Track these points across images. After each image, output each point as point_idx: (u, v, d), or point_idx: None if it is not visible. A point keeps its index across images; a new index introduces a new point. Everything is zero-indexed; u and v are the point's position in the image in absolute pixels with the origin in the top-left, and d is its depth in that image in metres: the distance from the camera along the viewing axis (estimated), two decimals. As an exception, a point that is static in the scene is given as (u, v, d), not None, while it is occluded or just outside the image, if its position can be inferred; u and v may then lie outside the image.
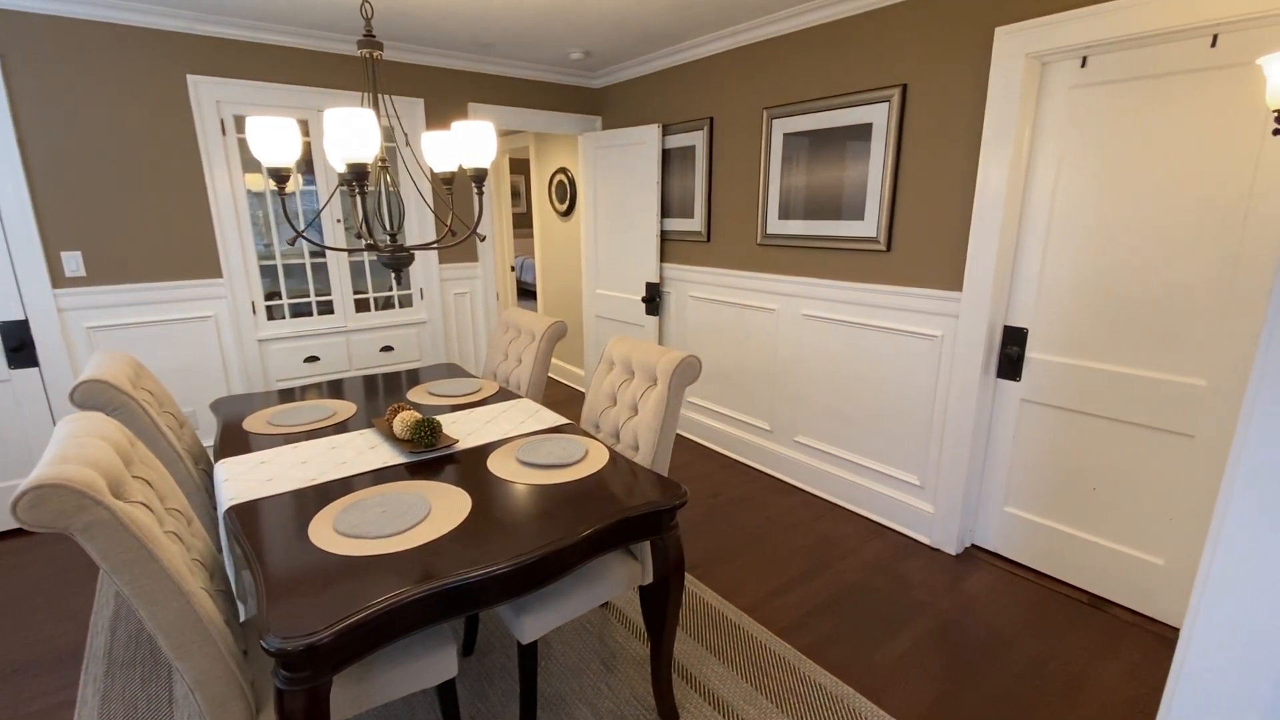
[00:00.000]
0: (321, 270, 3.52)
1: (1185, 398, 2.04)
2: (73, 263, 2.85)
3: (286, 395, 2.43)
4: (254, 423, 2.10)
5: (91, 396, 1.70)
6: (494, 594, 1.31)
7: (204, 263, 3.16)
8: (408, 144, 2.10)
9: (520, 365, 2.70)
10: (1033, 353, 2.40)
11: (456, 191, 3.86)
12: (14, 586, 2.44)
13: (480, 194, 1.86)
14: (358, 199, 1.67)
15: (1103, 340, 2.21)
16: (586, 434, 2.01)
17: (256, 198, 3.30)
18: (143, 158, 2.94)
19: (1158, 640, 2.11)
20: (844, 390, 3.02)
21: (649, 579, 1.77)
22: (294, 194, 3.42)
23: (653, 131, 3.73)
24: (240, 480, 1.65)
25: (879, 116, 2.67)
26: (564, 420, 2.13)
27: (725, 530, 2.84)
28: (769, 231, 3.24)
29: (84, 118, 2.79)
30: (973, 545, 2.70)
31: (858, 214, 2.81)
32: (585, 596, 1.67)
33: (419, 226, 3.73)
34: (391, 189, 1.87)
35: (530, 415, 2.19)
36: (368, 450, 1.86)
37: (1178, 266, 2.01)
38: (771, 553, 2.66)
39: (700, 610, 2.27)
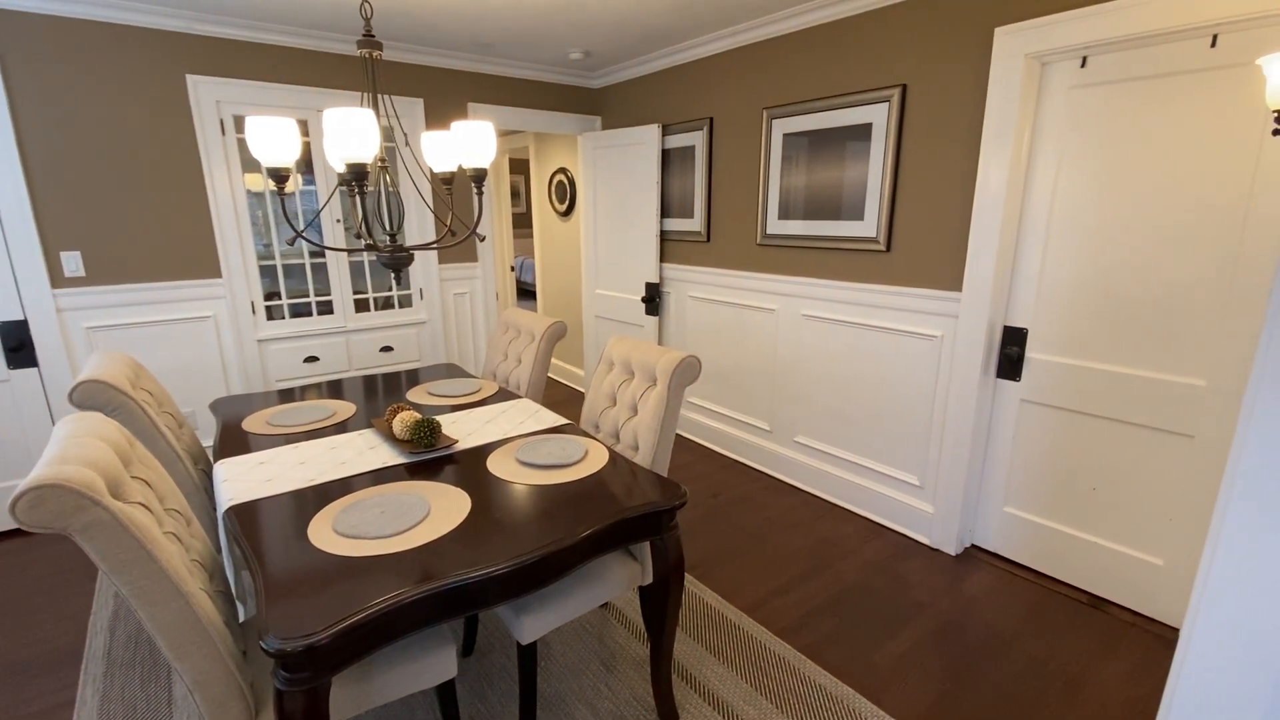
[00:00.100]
0: (321, 270, 3.52)
1: (1185, 398, 2.04)
2: (72, 263, 2.85)
3: (286, 395, 2.43)
4: (253, 423, 2.10)
5: (90, 397, 1.70)
6: (493, 594, 1.30)
7: (203, 263, 3.15)
8: (407, 144, 2.10)
9: (520, 365, 2.70)
10: (1032, 353, 2.40)
11: (456, 191, 3.86)
12: (13, 587, 2.43)
13: (480, 194, 1.86)
14: (357, 199, 1.67)
15: (1102, 340, 2.21)
16: (586, 434, 2.01)
17: (256, 198, 3.29)
18: (142, 158, 2.93)
19: (1157, 641, 2.11)
20: (844, 390, 3.02)
21: (649, 579, 1.77)
22: (293, 194, 3.42)
23: (652, 131, 3.73)
24: (239, 481, 1.65)
25: (879, 116, 2.67)
26: (564, 420, 2.13)
27: (725, 530, 2.84)
28: (769, 231, 3.24)
29: (83, 117, 2.79)
30: (972, 545, 2.70)
31: (857, 214, 2.81)
32: (585, 597, 1.67)
33: (418, 226, 3.73)
34: (391, 189, 1.87)
35: (530, 415, 2.18)
36: (367, 450, 1.86)
37: (1178, 266, 2.01)
38: (771, 553, 2.66)
39: (700, 611, 2.26)
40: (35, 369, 2.83)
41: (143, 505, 1.18)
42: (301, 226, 3.36)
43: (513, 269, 6.04)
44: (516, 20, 3.00)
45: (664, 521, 1.59)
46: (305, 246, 3.45)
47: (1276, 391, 0.82)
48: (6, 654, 2.06)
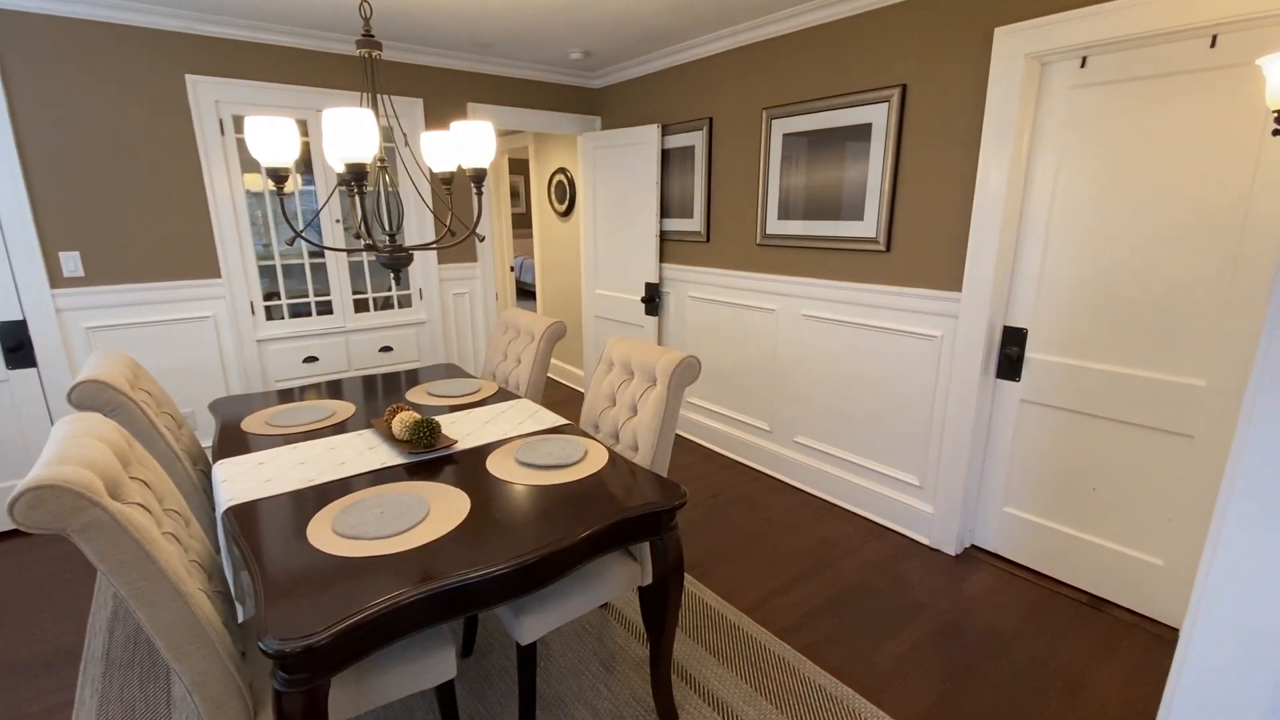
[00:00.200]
0: (320, 270, 3.52)
1: (1185, 398, 2.04)
2: (71, 263, 2.84)
3: (285, 396, 2.42)
4: (252, 423, 2.10)
5: (89, 397, 1.69)
6: (493, 595, 1.30)
7: (202, 263, 3.15)
8: (407, 144, 2.10)
9: (519, 365, 2.70)
10: (1032, 353, 2.40)
11: (455, 192, 3.85)
12: (12, 587, 2.43)
13: (479, 194, 1.86)
14: (356, 199, 1.67)
15: (1102, 340, 2.21)
16: (586, 434, 2.01)
17: (255, 198, 3.29)
18: (141, 158, 2.93)
19: (1157, 641, 2.11)
20: (843, 391, 3.01)
21: (648, 580, 1.76)
22: (293, 194, 3.42)
23: (652, 131, 3.73)
24: (239, 481, 1.65)
25: (878, 117, 2.67)
26: (563, 421, 2.12)
27: (725, 531, 2.84)
28: (768, 232, 3.24)
29: (83, 117, 2.78)
30: (972, 546, 2.70)
31: (857, 214, 2.81)
32: (584, 597, 1.66)
33: (418, 227, 3.73)
34: (390, 189, 1.87)
35: (529, 416, 2.18)
36: (366, 451, 1.86)
37: (1178, 266, 2.01)
38: (771, 553, 2.66)
39: (699, 611, 2.26)
40: (34, 369, 2.82)
41: (141, 506, 1.18)
42: (301, 226, 3.36)
43: (512, 269, 6.04)
44: (516, 20, 2.99)
45: (663, 522, 1.59)
46: (304, 246, 3.45)
47: (1276, 391, 0.82)
48: (5, 654, 2.06)
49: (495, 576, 1.27)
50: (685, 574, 2.48)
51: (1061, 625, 2.19)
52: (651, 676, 1.76)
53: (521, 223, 8.93)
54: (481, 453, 1.85)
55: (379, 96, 3.51)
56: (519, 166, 8.74)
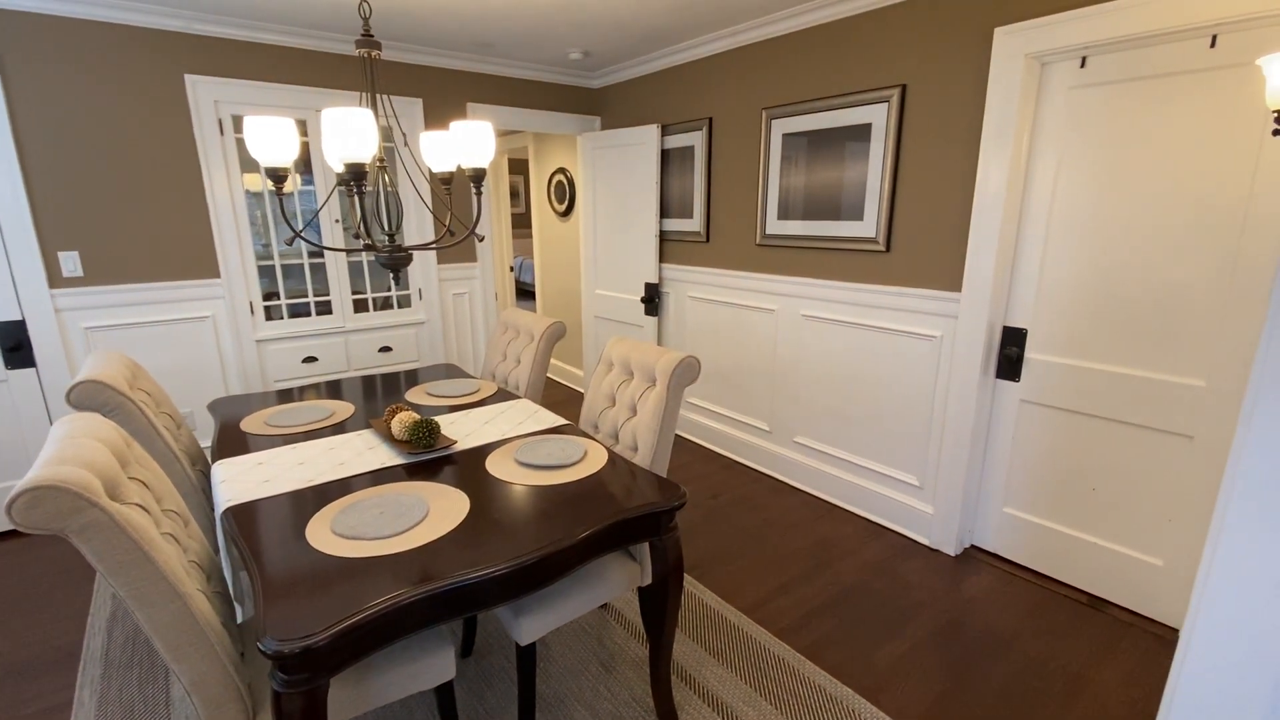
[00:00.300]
0: (320, 270, 3.52)
1: (1184, 398, 2.04)
2: (70, 263, 2.84)
3: (284, 396, 2.42)
4: (252, 423, 2.10)
5: (88, 397, 1.69)
6: (492, 595, 1.30)
7: (202, 263, 3.15)
8: (406, 144, 2.10)
9: (519, 366, 2.70)
10: (1032, 353, 2.40)
11: (455, 192, 3.85)
12: (10, 588, 2.43)
13: (479, 194, 1.85)
14: (356, 199, 1.67)
15: (1102, 341, 2.21)
16: (585, 435, 2.01)
17: (255, 198, 3.29)
18: (141, 157, 2.93)
19: (1157, 641, 2.11)
20: (843, 391, 3.01)
21: (648, 580, 1.76)
22: (292, 194, 3.42)
23: (652, 132, 3.73)
24: (238, 481, 1.65)
25: (878, 117, 2.67)
26: (563, 421, 2.12)
27: (724, 531, 2.84)
28: (768, 232, 3.24)
29: (82, 117, 2.78)
30: (972, 546, 2.70)
31: (857, 214, 2.81)
32: (584, 598, 1.66)
33: (417, 227, 3.73)
34: (390, 189, 1.87)
35: (529, 416, 2.18)
36: (366, 451, 1.86)
37: (1177, 267, 2.01)
38: (770, 554, 2.66)
39: (699, 611, 2.26)
40: (33, 369, 2.82)
41: (140, 506, 1.17)
42: (300, 226, 3.36)
43: (512, 269, 6.04)
44: (516, 20, 2.99)
45: (663, 522, 1.59)
46: (304, 247, 3.45)
47: (1276, 392, 0.82)
48: (4, 655, 2.06)
49: (494, 577, 1.26)
50: (685, 574, 2.48)
51: (1061, 625, 2.19)
52: (651, 677, 1.76)
53: (521, 223, 8.93)
54: (481, 453, 1.85)
55: (378, 96, 3.51)
56: (519, 166, 8.74)
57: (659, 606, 1.67)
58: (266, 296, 3.38)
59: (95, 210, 2.87)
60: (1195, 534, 2.08)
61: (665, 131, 3.77)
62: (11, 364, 2.77)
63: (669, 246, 3.92)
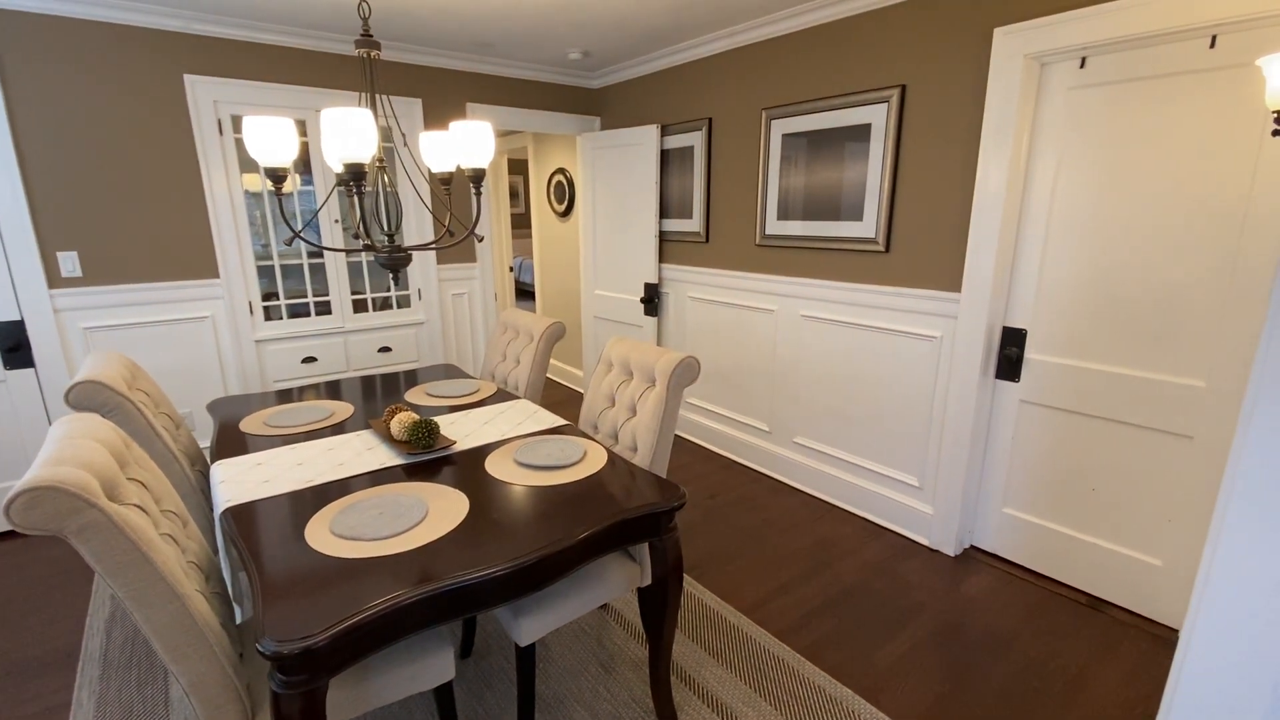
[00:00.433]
0: (319, 271, 3.52)
1: (1184, 399, 2.04)
2: (69, 263, 2.84)
3: (284, 396, 2.42)
4: (251, 424, 2.09)
5: (87, 397, 1.69)
6: (492, 596, 1.30)
7: (201, 263, 3.15)
8: (405, 144, 2.10)
9: (519, 366, 2.69)
10: (1032, 354, 2.40)
11: (455, 192, 3.85)
12: (9, 588, 2.42)
13: (478, 194, 1.85)
14: (355, 199, 1.67)
15: (1102, 341, 2.21)
16: (585, 435, 2.01)
17: (254, 198, 3.29)
18: (140, 157, 2.93)
19: (1156, 641, 2.11)
20: (843, 391, 3.01)
21: (647, 581, 1.76)
22: (291, 194, 3.42)
23: (651, 132, 3.73)
24: (237, 482, 1.65)
25: (878, 117, 2.67)
26: (562, 421, 2.12)
27: (724, 531, 2.84)
28: (767, 232, 3.24)
29: (81, 117, 2.78)
30: (971, 546, 2.70)
31: (856, 215, 2.81)
32: (583, 598, 1.66)
33: (417, 227, 3.72)
34: (389, 189, 1.87)
35: (528, 416, 2.18)
36: (365, 452, 1.86)
37: (1177, 267, 2.01)
38: (770, 554, 2.65)
39: (699, 612, 2.26)
40: (32, 369, 2.82)
41: (139, 507, 1.17)
42: (299, 227, 3.36)
43: (511, 269, 6.03)
44: (515, 20, 2.99)
45: (663, 523, 1.58)
46: (303, 247, 3.45)
47: (1276, 392, 0.82)
48: (2, 656, 2.05)
49: (494, 578, 1.26)
50: (684, 575, 2.48)
51: (1061, 626, 2.19)
52: (651, 677, 1.76)
53: (521, 223, 8.93)
54: (480, 453, 1.85)
55: (378, 96, 3.51)
56: (518, 167, 8.74)
57: (658, 607, 1.67)
58: (266, 297, 3.38)
59: (94, 210, 2.87)
60: (1195, 534, 2.08)
61: (665, 132, 3.77)
62: (10, 364, 2.77)
63: (668, 247, 3.92)
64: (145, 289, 3.02)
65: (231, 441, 1.94)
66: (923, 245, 2.60)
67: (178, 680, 1.14)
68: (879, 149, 2.68)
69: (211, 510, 1.86)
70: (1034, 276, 2.35)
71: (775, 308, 3.27)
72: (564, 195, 4.95)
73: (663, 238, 3.93)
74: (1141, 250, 2.07)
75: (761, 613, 2.27)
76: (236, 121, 3.13)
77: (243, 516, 1.47)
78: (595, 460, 1.77)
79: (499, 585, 1.29)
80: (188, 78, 2.96)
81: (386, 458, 1.81)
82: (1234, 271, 1.90)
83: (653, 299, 3.99)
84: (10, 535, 2.84)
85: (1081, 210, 2.19)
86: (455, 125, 1.75)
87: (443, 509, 1.49)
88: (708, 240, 3.63)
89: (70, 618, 2.25)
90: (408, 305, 3.85)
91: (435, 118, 3.70)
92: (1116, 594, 2.28)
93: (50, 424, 2.88)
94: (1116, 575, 2.27)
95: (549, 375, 5.58)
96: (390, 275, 3.76)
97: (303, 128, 3.29)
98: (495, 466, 1.74)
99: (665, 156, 3.80)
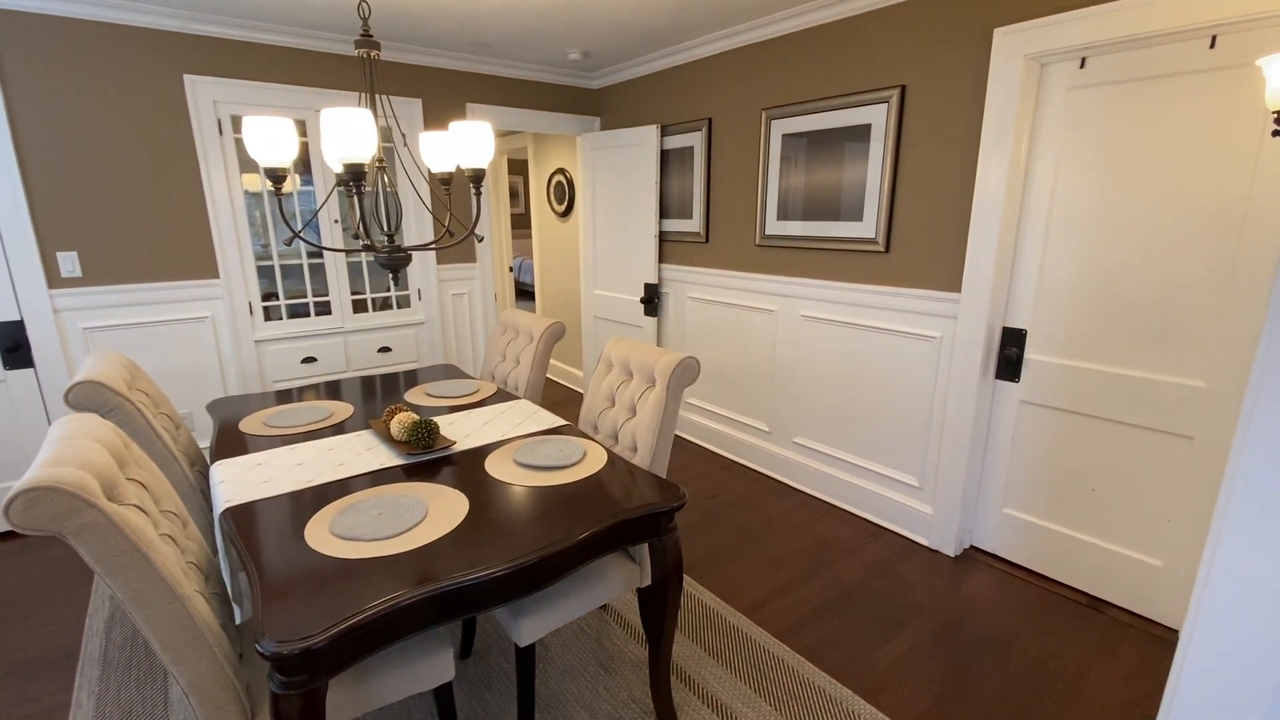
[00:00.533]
0: (319, 271, 3.51)
1: (1184, 399, 2.04)
2: (69, 263, 2.84)
3: (283, 396, 2.42)
4: (250, 424, 2.09)
5: (86, 398, 1.69)
6: (491, 597, 1.30)
7: (201, 263, 3.15)
8: (405, 144, 2.10)
9: (518, 366, 2.69)
10: (1031, 354, 2.40)
11: (454, 192, 3.85)
12: (8, 589, 2.42)
13: (478, 194, 1.85)
14: (355, 199, 1.66)
15: (1102, 341, 2.21)
16: (585, 435, 2.01)
17: (254, 198, 3.29)
18: (140, 157, 2.93)
19: (1156, 642, 2.11)
20: (843, 391, 3.01)
21: (647, 581, 1.76)
22: (291, 194, 3.42)
23: (651, 132, 3.73)
24: (236, 482, 1.65)
25: (878, 117, 2.67)
26: (562, 421, 2.12)
27: (724, 532, 2.84)
28: (767, 232, 3.24)
29: (80, 117, 2.78)
30: (971, 546, 2.70)
31: (856, 215, 2.81)
32: (583, 599, 1.66)
33: (417, 227, 3.72)
34: (389, 189, 1.87)
35: (528, 416, 2.18)
36: (365, 452, 1.86)
37: (1177, 267, 2.01)
38: (770, 554, 2.65)
39: (698, 612, 2.26)
40: (31, 370, 2.82)
41: (138, 507, 1.17)
42: (299, 227, 3.35)
43: (511, 270, 6.03)
44: (515, 20, 2.99)
45: (662, 523, 1.58)
46: (303, 247, 3.45)
47: (1276, 392, 0.82)
48: (2, 656, 2.05)
49: (494, 578, 1.26)
50: (684, 575, 2.48)
51: (1061, 626, 2.19)
52: (650, 678, 1.75)
53: (520, 223, 8.93)
54: (480, 454, 1.85)
55: (377, 97, 3.51)
56: (518, 167, 8.74)
57: (658, 607, 1.67)
58: (265, 297, 3.37)
59: (94, 210, 2.87)
60: (1195, 534, 2.08)
61: (665, 132, 3.77)
62: (10, 364, 2.77)
63: (668, 247, 3.92)
64: (145, 289, 3.02)
65: (231, 442, 1.94)
66: (923, 245, 2.60)
67: (177, 681, 1.14)
68: (879, 149, 2.68)
69: (211, 510, 1.86)
70: (1034, 277, 2.35)
71: (775, 308, 3.27)
72: (564, 195, 4.95)
73: (663, 238, 3.93)
74: (1141, 250, 2.07)
75: (761, 613, 2.27)
76: (236, 121, 3.13)
77: (242, 517, 1.47)
78: (595, 461, 1.77)
79: (499, 586, 1.29)
80: (187, 78, 2.96)
81: (386, 458, 1.81)
82: (1234, 271, 1.90)
83: (653, 299, 3.99)
84: (10, 536, 2.83)
85: (1081, 210, 2.19)
86: (455, 125, 1.75)
87: (442, 509, 1.49)
88: (708, 240, 3.63)
89: (70, 618, 2.25)
90: (408, 305, 3.85)
91: (435, 118, 3.70)
92: (1116, 594, 2.28)
93: (50, 424, 2.88)
94: (1116, 575, 2.27)
95: (549, 375, 5.58)
96: (390, 275, 3.76)
97: (303, 128, 3.29)
98: (495, 467, 1.74)
99: (665, 157, 3.80)
